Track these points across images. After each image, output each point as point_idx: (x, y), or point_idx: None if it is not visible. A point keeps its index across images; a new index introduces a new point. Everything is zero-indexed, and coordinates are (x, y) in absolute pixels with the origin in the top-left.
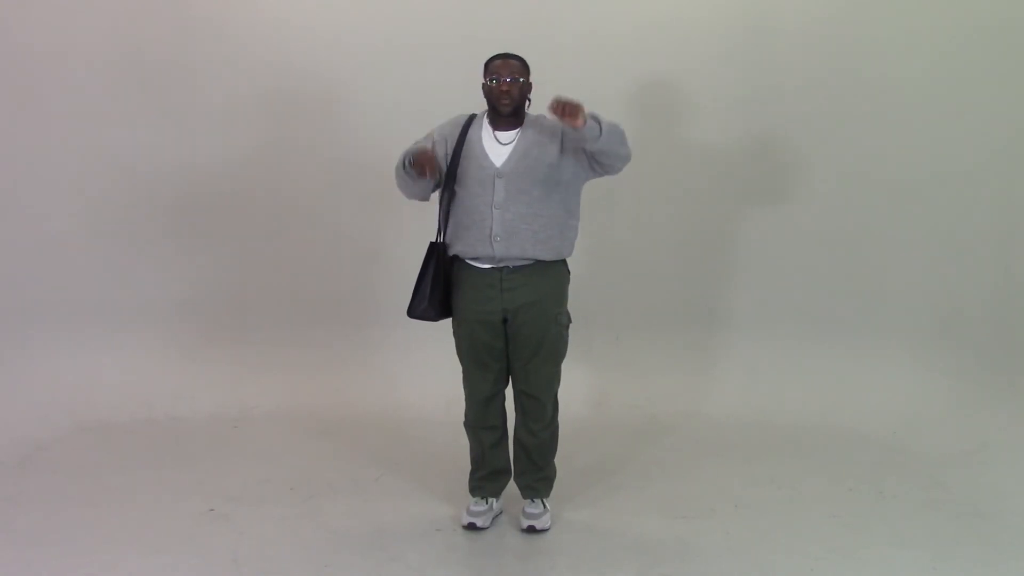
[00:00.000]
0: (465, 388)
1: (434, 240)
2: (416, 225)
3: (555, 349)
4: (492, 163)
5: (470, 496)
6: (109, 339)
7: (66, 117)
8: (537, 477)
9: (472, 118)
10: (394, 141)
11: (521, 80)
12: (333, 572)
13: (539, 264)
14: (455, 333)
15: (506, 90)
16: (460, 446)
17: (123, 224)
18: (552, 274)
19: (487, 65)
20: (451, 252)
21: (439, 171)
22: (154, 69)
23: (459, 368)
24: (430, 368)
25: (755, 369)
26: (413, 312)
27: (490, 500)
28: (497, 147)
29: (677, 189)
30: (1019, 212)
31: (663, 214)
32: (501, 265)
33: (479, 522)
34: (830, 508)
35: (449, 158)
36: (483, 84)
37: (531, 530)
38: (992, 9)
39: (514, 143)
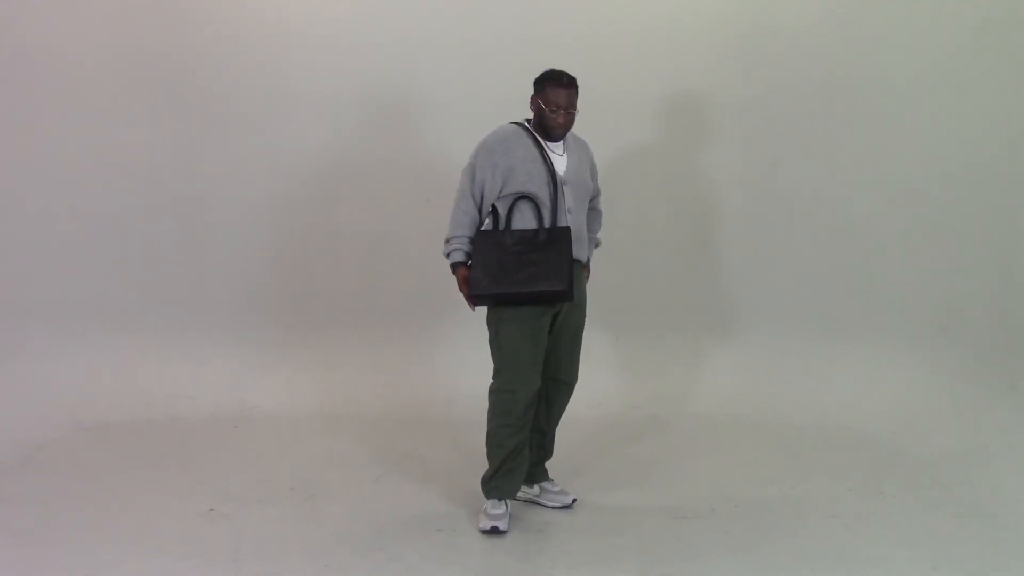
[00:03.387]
0: (516, 387)
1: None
2: (417, 225)
3: (581, 336)
4: (557, 171)
5: (485, 499)
6: (109, 339)
7: (66, 117)
8: (547, 458)
9: (523, 125)
10: (394, 141)
11: (575, 111)
12: (333, 572)
13: (577, 262)
14: (515, 331)
15: (563, 122)
16: (461, 446)
17: (123, 224)
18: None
19: (546, 88)
20: None
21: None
22: (154, 69)
23: (458, 367)
24: (430, 368)
25: (755, 369)
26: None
27: (507, 502)
28: (555, 156)
29: (677, 189)
30: (1019, 212)
31: (663, 214)
32: None
33: (501, 525)
34: (830, 508)
35: (521, 165)
36: (538, 104)
37: (574, 503)
38: (992, 9)
39: (566, 155)
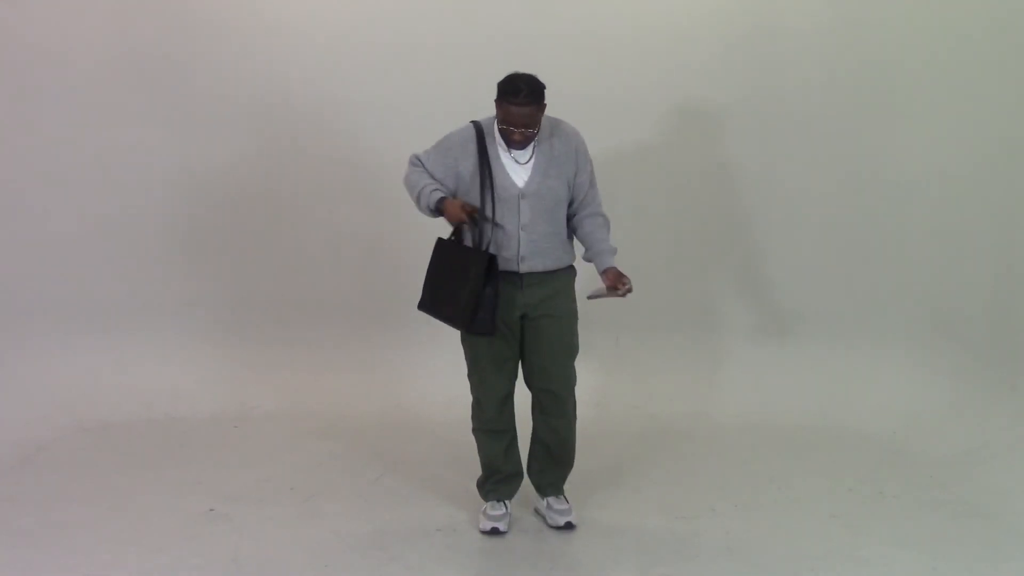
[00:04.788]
0: (479, 392)
1: (481, 248)
2: (416, 225)
3: (573, 343)
4: (515, 183)
5: (484, 501)
6: (109, 339)
7: (66, 118)
8: (559, 475)
9: (480, 132)
10: (393, 140)
11: (534, 130)
12: (333, 572)
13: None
14: (475, 343)
15: (519, 140)
16: (460, 446)
17: (123, 224)
18: (565, 270)
19: (502, 102)
20: None
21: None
22: (154, 71)
23: (458, 367)
24: (430, 368)
25: (755, 369)
26: (479, 327)
27: (506, 503)
28: (516, 166)
29: (677, 189)
30: (1019, 212)
31: (663, 214)
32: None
33: (501, 526)
34: (830, 508)
35: (469, 177)
36: (497, 113)
37: (569, 526)
38: (992, 9)
39: (532, 161)
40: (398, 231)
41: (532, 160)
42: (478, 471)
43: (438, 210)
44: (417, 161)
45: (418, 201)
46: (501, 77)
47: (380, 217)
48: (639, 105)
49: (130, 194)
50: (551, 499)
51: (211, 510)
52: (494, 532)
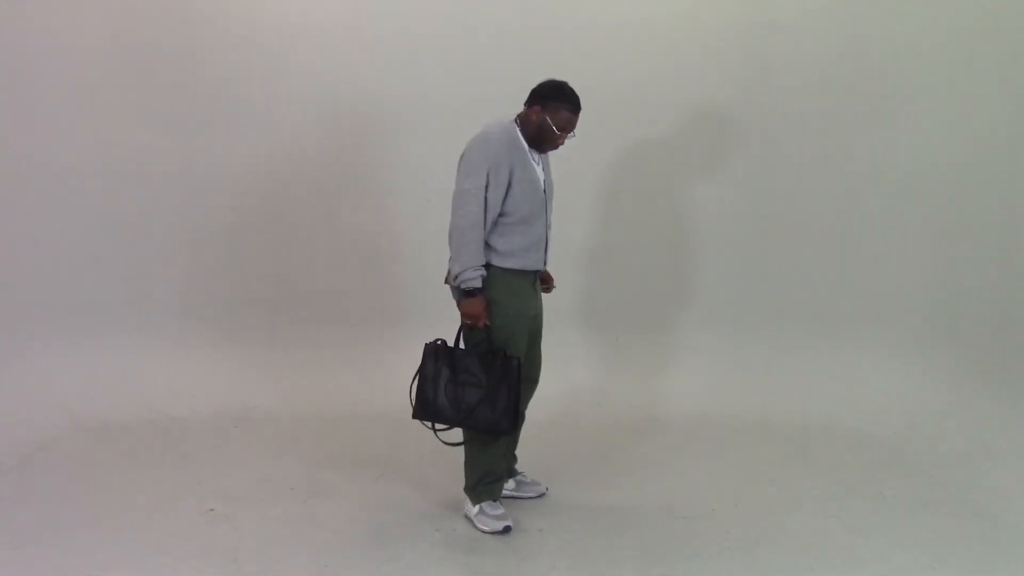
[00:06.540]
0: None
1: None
2: (417, 225)
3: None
4: (542, 185)
5: (474, 504)
6: (109, 339)
7: (67, 118)
8: (514, 448)
9: (509, 136)
10: (393, 141)
11: None
12: (333, 572)
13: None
14: (510, 336)
15: (561, 144)
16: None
17: (123, 224)
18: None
19: (560, 109)
20: (502, 266)
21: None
22: (155, 71)
23: None
24: None
25: (755, 369)
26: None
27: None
28: (538, 168)
29: (677, 189)
30: (1019, 211)
31: (662, 214)
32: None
33: (510, 522)
34: (830, 508)
35: (510, 178)
36: (543, 118)
37: (546, 492)
38: (991, 9)
39: (542, 164)
40: (398, 231)
41: (542, 164)
42: None
43: (466, 292)
44: (477, 202)
45: (457, 255)
46: (502, 78)
47: (380, 217)
48: (639, 106)
49: (130, 194)
50: (519, 476)
51: (211, 510)
52: (507, 531)
